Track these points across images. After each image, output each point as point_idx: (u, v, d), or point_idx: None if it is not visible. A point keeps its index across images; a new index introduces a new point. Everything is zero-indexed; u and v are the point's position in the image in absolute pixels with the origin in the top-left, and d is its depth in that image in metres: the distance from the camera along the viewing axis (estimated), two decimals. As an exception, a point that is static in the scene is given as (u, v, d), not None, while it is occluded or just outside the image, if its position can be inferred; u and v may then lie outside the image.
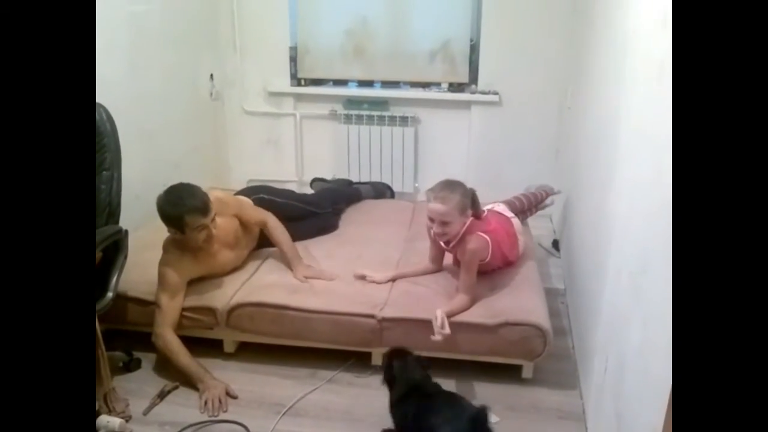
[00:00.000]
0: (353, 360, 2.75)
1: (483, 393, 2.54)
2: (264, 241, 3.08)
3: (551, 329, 2.56)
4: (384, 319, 2.62)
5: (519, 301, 2.66)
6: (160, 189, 3.97)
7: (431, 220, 2.58)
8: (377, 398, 2.49)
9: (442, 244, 2.77)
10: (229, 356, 2.81)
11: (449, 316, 2.48)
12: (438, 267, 2.92)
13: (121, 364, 2.67)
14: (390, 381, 2.21)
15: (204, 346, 2.77)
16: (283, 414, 2.41)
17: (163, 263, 2.68)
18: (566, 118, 4.03)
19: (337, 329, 2.66)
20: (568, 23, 4.14)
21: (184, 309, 2.71)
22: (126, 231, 2.43)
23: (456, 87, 4.55)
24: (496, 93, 4.40)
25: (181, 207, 2.55)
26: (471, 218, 2.65)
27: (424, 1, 4.45)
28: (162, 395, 2.51)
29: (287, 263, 2.96)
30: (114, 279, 2.41)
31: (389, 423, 2.30)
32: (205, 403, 2.45)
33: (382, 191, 4.27)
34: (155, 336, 2.61)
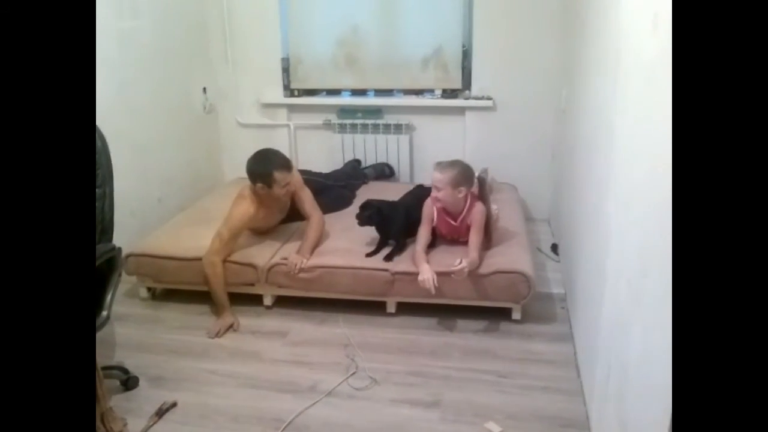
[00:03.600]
0: (355, 371, 2.73)
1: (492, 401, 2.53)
2: (295, 215, 3.51)
3: (534, 276, 3.07)
4: (396, 273, 3.15)
5: (508, 255, 3.20)
6: (155, 204, 4.01)
7: (433, 185, 3.14)
8: (378, 411, 2.47)
9: (450, 221, 3.23)
10: (267, 308, 3.33)
11: (472, 268, 3.01)
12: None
13: (118, 383, 2.64)
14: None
15: (246, 300, 3.31)
16: (283, 429, 2.38)
17: (238, 207, 3.23)
18: (561, 121, 4.02)
19: (357, 281, 3.20)
20: (560, 26, 4.13)
21: (232, 262, 3.24)
22: (120, 248, 2.40)
23: (449, 93, 4.54)
24: (489, 98, 4.39)
25: (270, 165, 3.13)
26: (471, 194, 3.17)
27: (415, 8, 4.44)
28: (160, 413, 2.47)
29: (301, 244, 3.33)
30: (109, 297, 2.38)
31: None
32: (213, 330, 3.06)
33: (381, 169, 4.61)
34: (207, 260, 3.15)
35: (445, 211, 3.22)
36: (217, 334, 3.04)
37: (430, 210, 3.23)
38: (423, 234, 3.23)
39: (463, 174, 3.11)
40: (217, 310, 3.18)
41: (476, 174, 3.26)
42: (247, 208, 3.22)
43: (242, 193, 3.29)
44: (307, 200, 3.42)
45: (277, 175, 3.12)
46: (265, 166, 3.14)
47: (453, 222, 3.22)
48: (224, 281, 3.18)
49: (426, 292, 3.02)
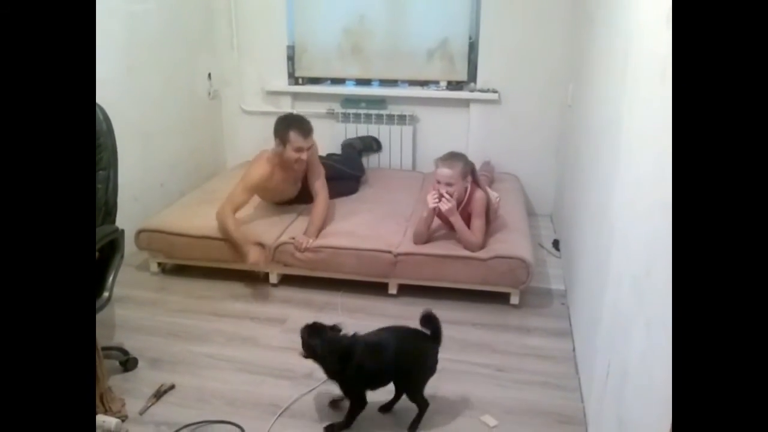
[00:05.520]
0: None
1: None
2: (306, 199, 3.66)
3: (533, 262, 3.15)
4: (399, 254, 3.23)
5: (508, 242, 3.28)
6: (158, 189, 4.02)
7: (438, 182, 3.14)
8: (376, 401, 2.47)
9: (446, 207, 3.15)
10: (273, 286, 3.44)
11: (459, 231, 3.18)
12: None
13: (117, 363, 2.65)
14: (314, 356, 2.27)
15: (252, 279, 3.44)
16: (279, 415, 2.39)
17: (255, 166, 3.41)
18: (567, 116, 4.01)
19: (361, 262, 3.27)
20: (568, 20, 4.11)
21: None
22: (122, 231, 2.40)
23: (454, 85, 4.53)
24: (495, 91, 4.38)
25: (290, 125, 3.30)
26: (472, 183, 3.23)
27: (422, -1, 4.43)
28: (158, 395, 2.49)
29: (307, 224, 3.44)
30: (110, 279, 2.38)
31: (385, 426, 2.31)
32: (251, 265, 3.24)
33: (369, 144, 4.62)
34: (221, 212, 3.32)
35: None
36: (258, 264, 3.24)
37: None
38: (421, 228, 3.30)
39: (467, 163, 3.19)
40: (241, 253, 3.26)
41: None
42: (264, 168, 3.39)
43: (261, 154, 3.47)
44: (319, 176, 3.57)
45: (293, 135, 3.28)
46: (285, 125, 3.32)
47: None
48: (237, 227, 3.31)
49: (427, 274, 3.20)
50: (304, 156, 3.34)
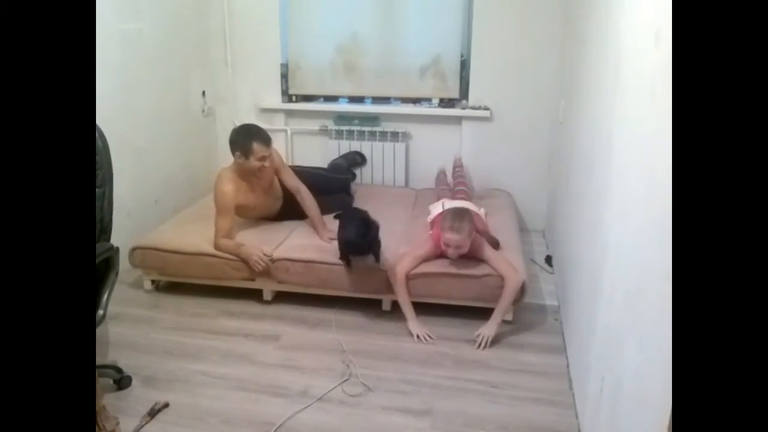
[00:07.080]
0: (348, 377, 2.73)
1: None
2: (293, 213, 3.72)
3: (527, 278, 3.15)
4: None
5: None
6: (152, 205, 4.03)
7: (448, 245, 3.11)
8: (369, 418, 2.48)
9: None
10: (267, 303, 3.44)
11: (512, 299, 3.07)
12: None
13: (111, 381, 2.64)
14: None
15: (246, 296, 3.47)
16: (274, 433, 2.39)
17: (218, 187, 3.40)
18: (558, 133, 4.04)
19: (355, 279, 3.27)
20: (559, 38, 4.16)
21: (234, 259, 3.37)
22: (117, 248, 2.40)
23: (447, 102, 4.56)
24: (487, 108, 4.41)
25: (251, 137, 3.37)
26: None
27: (415, 17, 4.47)
28: (152, 413, 2.47)
29: (314, 228, 3.62)
30: (105, 296, 2.38)
31: None
32: (255, 264, 3.30)
33: (353, 159, 4.62)
34: (216, 244, 3.39)
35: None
36: (267, 260, 3.31)
37: (433, 250, 3.24)
38: (409, 261, 3.21)
39: (470, 220, 3.16)
40: (240, 258, 3.36)
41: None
42: (227, 186, 3.40)
43: (219, 175, 3.47)
44: (291, 176, 3.68)
45: (256, 146, 3.34)
46: (246, 137, 3.38)
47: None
48: (232, 243, 3.39)
49: (421, 291, 3.18)
50: (266, 164, 3.42)
